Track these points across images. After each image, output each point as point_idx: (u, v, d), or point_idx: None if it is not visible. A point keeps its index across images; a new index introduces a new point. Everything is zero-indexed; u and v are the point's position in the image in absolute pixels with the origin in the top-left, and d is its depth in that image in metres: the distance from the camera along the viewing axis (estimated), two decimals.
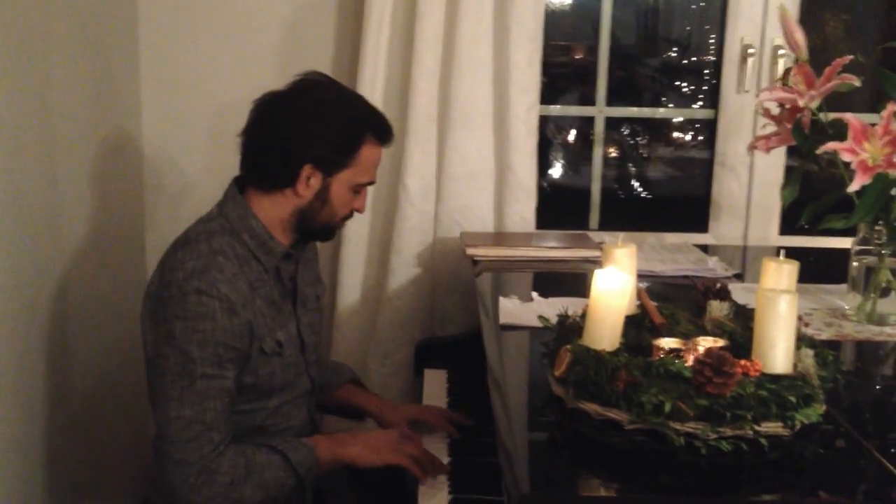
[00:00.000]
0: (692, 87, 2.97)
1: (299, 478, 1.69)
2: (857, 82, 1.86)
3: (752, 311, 1.46)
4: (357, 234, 2.59)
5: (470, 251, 2.35)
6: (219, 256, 1.67)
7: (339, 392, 2.05)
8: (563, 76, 2.93)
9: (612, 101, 2.79)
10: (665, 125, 3.04)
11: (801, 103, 1.88)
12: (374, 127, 1.77)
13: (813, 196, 1.99)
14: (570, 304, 1.67)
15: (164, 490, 1.66)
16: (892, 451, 1.36)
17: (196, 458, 1.61)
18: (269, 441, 1.71)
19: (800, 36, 1.95)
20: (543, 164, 2.85)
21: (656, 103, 2.99)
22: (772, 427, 1.32)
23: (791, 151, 2.60)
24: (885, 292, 1.92)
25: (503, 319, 1.89)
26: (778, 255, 1.54)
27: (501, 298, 2.01)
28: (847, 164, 1.78)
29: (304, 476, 1.69)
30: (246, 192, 1.77)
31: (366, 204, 1.85)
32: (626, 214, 2.99)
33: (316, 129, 1.71)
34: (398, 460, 1.71)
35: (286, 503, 1.69)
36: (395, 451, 1.73)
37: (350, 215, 1.83)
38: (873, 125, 1.78)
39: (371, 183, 1.82)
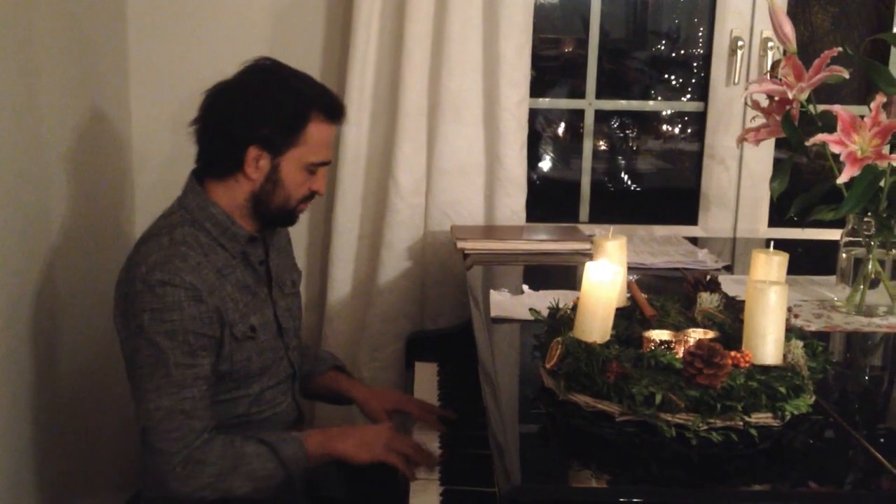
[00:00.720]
0: (681, 80, 2.97)
1: (288, 471, 1.68)
2: (845, 74, 1.86)
3: (741, 302, 1.47)
4: (348, 228, 2.58)
5: (460, 245, 2.35)
6: (181, 247, 1.68)
7: (322, 378, 2.05)
8: (552, 69, 2.92)
9: (601, 94, 2.79)
10: (654, 118, 3.04)
11: (790, 95, 1.88)
12: (319, 104, 1.75)
13: (802, 188, 2.00)
14: (560, 297, 1.67)
15: (153, 483, 1.66)
16: (881, 440, 1.37)
17: (180, 447, 1.61)
18: (259, 433, 1.71)
19: (789, 28, 1.95)
20: (533, 157, 2.86)
21: (646, 96, 2.99)
22: (762, 418, 1.33)
23: (780, 144, 2.61)
24: (873, 283, 1.93)
25: (494, 312, 1.89)
26: (767, 246, 1.55)
27: (492, 291, 2.01)
28: (836, 156, 1.78)
29: (292, 470, 1.69)
30: (204, 183, 1.77)
31: (324, 185, 1.82)
32: (616, 207, 2.99)
33: (258, 110, 1.71)
34: (389, 458, 1.71)
35: (275, 495, 1.69)
36: (386, 448, 1.72)
37: (310, 197, 1.81)
38: (862, 117, 1.78)
39: (326, 163, 1.80)
